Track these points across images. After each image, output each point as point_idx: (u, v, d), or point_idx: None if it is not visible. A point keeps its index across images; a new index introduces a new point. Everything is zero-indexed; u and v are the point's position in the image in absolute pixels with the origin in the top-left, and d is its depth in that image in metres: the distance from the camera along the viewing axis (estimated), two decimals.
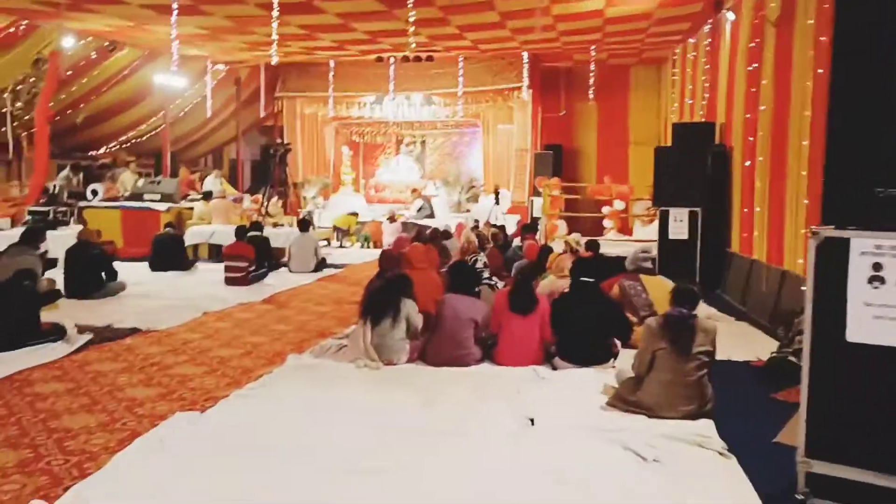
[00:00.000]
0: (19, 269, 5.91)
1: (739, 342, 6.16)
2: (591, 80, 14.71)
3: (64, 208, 11.35)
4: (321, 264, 10.74)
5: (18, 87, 11.98)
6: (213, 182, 14.36)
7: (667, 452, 3.56)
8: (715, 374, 4.26)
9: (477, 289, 6.00)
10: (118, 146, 16.80)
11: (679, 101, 13.21)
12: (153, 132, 16.67)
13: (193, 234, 11.71)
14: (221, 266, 9.42)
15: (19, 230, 8.77)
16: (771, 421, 4.15)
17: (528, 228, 10.96)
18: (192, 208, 12.57)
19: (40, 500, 2.89)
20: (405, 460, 3.40)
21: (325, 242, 14.38)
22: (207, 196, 12.76)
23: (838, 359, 2.93)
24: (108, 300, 7.79)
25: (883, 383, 2.84)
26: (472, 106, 16.08)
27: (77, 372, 4.90)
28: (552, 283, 6.40)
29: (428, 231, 9.60)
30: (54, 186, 11.78)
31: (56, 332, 5.67)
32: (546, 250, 7.87)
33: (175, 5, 9.02)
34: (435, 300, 5.79)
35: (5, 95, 12.03)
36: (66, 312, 6.89)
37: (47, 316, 6.34)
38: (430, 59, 14.33)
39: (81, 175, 13.33)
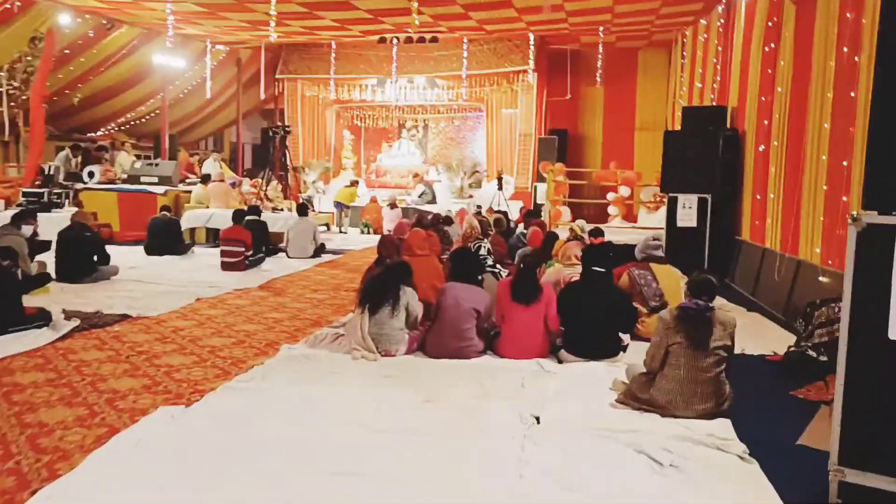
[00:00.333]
0: None
1: (753, 335, 5.90)
2: (599, 64, 14.34)
3: (59, 190, 11.08)
4: (320, 250, 10.52)
5: (14, 66, 11.67)
6: (211, 165, 14.10)
7: (684, 457, 3.31)
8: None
9: (480, 277, 5.73)
10: (117, 128, 16.52)
11: (688, 84, 12.88)
12: (152, 114, 16.38)
13: (190, 218, 11.47)
14: (218, 251, 9.18)
15: (13, 212, 8.52)
16: (792, 420, 3.92)
17: (532, 215, 10.69)
18: (189, 192, 12.32)
19: None
20: (401, 464, 3.16)
21: (325, 227, 14.12)
22: (206, 179, 12.50)
23: (878, 358, 2.67)
24: (100, 285, 7.55)
25: None
26: (476, 89, 15.75)
27: (60, 361, 4.66)
28: (558, 272, 6.14)
29: (429, 217, 9.33)
30: (49, 167, 11.50)
31: (41, 318, 5.43)
32: (552, 237, 7.60)
33: None
34: (436, 288, 5.54)
35: (1, 74, 11.75)
36: (55, 297, 6.68)
37: (34, 300, 6.13)
38: (434, 40, 13.97)
39: (79, 157, 13.07)
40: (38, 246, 7.47)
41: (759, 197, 8.19)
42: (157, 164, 12.64)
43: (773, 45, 7.88)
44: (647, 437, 3.52)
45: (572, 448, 3.40)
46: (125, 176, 12.66)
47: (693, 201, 9.12)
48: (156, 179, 12.14)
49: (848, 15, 5.84)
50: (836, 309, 4.90)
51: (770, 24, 7.96)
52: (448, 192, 16.46)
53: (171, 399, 3.94)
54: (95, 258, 7.68)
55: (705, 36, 11.78)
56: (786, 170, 7.32)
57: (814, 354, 4.84)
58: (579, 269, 5.48)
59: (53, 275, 7.43)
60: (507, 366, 4.87)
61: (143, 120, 16.61)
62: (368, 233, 14.08)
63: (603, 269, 5.22)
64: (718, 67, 10.61)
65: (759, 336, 5.91)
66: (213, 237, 11.23)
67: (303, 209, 10.80)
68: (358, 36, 14.47)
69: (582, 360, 4.93)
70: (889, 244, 2.57)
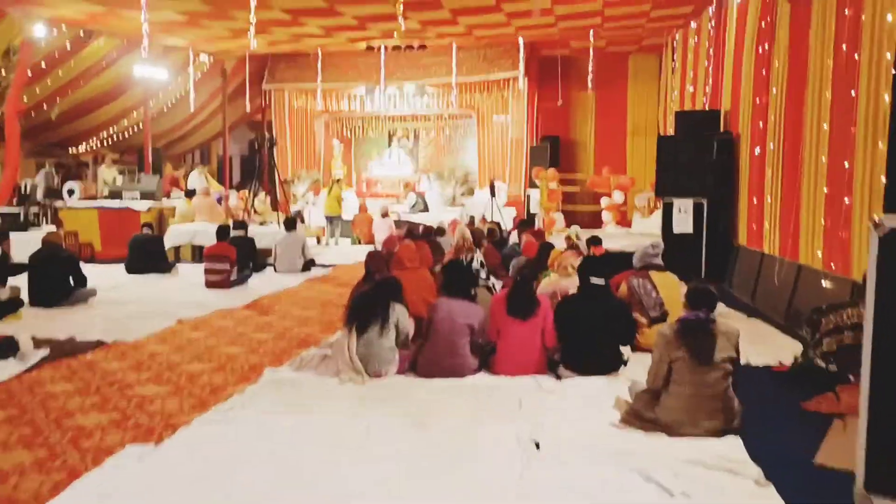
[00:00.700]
0: None
1: (756, 343, 5.67)
2: (590, 69, 14.16)
3: (37, 209, 10.77)
4: (309, 264, 10.24)
5: None
6: (197, 179, 13.84)
7: (695, 483, 3.07)
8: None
9: (473, 291, 5.49)
10: (100, 143, 16.22)
11: (680, 89, 12.71)
12: (136, 127, 16.08)
13: (174, 235, 11.18)
14: (203, 268, 8.90)
15: None
16: (805, 436, 3.70)
17: (526, 223, 10.45)
18: (174, 207, 12.04)
19: None
20: (392, 495, 2.90)
21: (315, 241, 13.84)
22: (190, 194, 12.23)
23: None
24: (77, 308, 7.25)
25: None
26: (467, 96, 15.54)
27: (24, 395, 4.36)
28: (555, 283, 5.91)
29: (420, 228, 9.07)
30: (26, 185, 11.19)
31: (7, 348, 5.12)
32: (546, 247, 7.36)
33: None
34: (428, 302, 5.29)
35: None
36: (27, 323, 6.39)
37: (4, 328, 5.85)
38: (422, 47, 13.75)
39: (61, 174, 12.80)
40: (11, 269, 7.16)
41: (755, 201, 7.98)
42: (139, 180, 12.35)
43: (766, 46, 7.70)
44: (656, 461, 3.29)
45: (575, 475, 3.16)
46: (107, 192, 12.36)
47: (688, 206, 8.93)
48: (138, 195, 11.85)
49: (847, 12, 5.65)
50: (845, 315, 4.68)
51: (763, 24, 7.78)
52: (440, 202, 16.22)
53: (141, 435, 3.65)
54: (71, 280, 7.36)
55: (696, 39, 11.62)
56: (783, 172, 7.12)
57: (822, 364, 4.61)
58: (576, 279, 5.24)
59: (27, 299, 7.15)
60: (503, 384, 4.64)
61: (126, 134, 16.30)
62: (360, 243, 13.80)
63: (601, 282, 5.00)
64: (710, 70, 10.43)
65: (761, 345, 5.68)
66: (199, 254, 10.94)
67: (290, 223, 10.53)
68: (344, 44, 14.24)
69: (581, 376, 4.69)
70: None
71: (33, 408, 4.12)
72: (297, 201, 15.68)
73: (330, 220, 14.18)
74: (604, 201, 14.22)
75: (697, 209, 8.86)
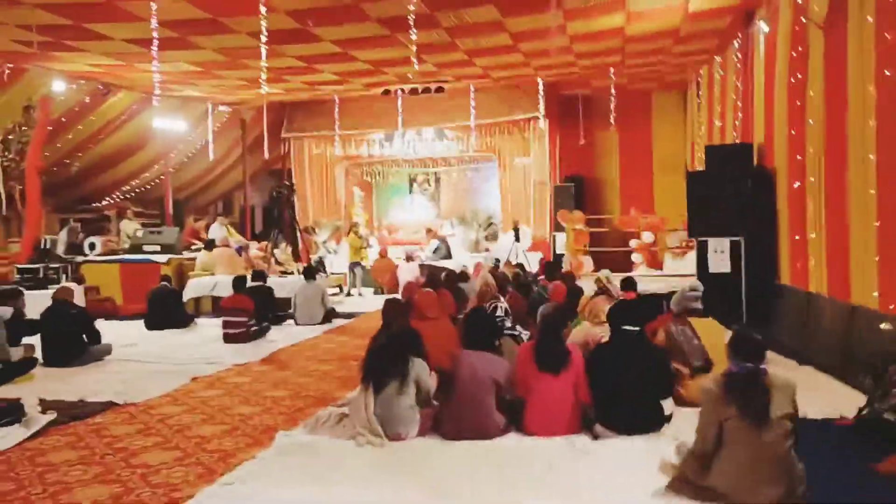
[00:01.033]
0: None
1: (811, 394, 5.16)
2: (612, 107, 13.93)
3: (57, 265, 10.66)
4: (330, 315, 9.96)
5: (8, 137, 11.39)
6: (217, 229, 13.68)
7: None
8: None
9: (497, 342, 5.13)
10: (123, 196, 16.27)
11: (707, 123, 12.39)
12: (158, 180, 16.13)
13: (194, 287, 10.98)
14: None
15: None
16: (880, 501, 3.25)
17: (552, 266, 10.06)
18: (193, 259, 11.88)
19: None
20: None
21: (337, 289, 13.57)
22: (210, 245, 12.07)
23: None
24: (91, 367, 6.99)
25: None
26: (487, 139, 15.37)
27: (24, 466, 4.07)
28: (586, 332, 5.53)
29: (443, 273, 8.75)
30: (45, 241, 11.12)
31: (11, 413, 4.85)
32: (575, 292, 6.99)
33: (155, 35, 8.36)
34: (450, 354, 4.94)
35: None
36: (38, 385, 6.14)
37: (13, 390, 5.61)
38: (439, 90, 13.61)
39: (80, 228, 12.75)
40: (25, 327, 6.96)
41: (798, 237, 7.55)
42: (160, 232, 12.25)
43: (799, 76, 7.36)
44: None
45: None
46: (127, 245, 12.27)
47: (725, 245, 8.53)
48: (158, 248, 11.74)
49: (887, 35, 5.32)
50: None
51: (794, 53, 7.47)
52: (463, 246, 15.94)
53: None
54: (85, 337, 7.13)
55: (722, 73, 11.34)
56: (827, 206, 6.71)
57: (892, 418, 4.16)
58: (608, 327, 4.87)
59: (41, 358, 6.93)
60: (533, 445, 4.27)
61: (148, 186, 16.35)
62: (383, 292, 13.48)
63: (635, 329, 4.62)
64: (739, 104, 10.11)
65: (817, 396, 5.20)
66: (219, 306, 10.72)
67: (309, 272, 10.29)
68: (361, 90, 14.19)
69: (620, 436, 4.29)
70: None
71: (31, 481, 3.82)
72: (318, 250, 15.49)
73: (352, 267, 13.92)
74: (633, 242, 13.82)
75: (734, 248, 8.46)
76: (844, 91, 6.15)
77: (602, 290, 6.63)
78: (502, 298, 6.31)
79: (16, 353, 6.52)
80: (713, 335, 5.26)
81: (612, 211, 15.10)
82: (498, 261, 11.84)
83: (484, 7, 8.78)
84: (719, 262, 8.47)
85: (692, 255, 10.02)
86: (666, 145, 15.06)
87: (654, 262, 13.52)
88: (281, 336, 8.74)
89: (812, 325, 6.95)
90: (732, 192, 8.54)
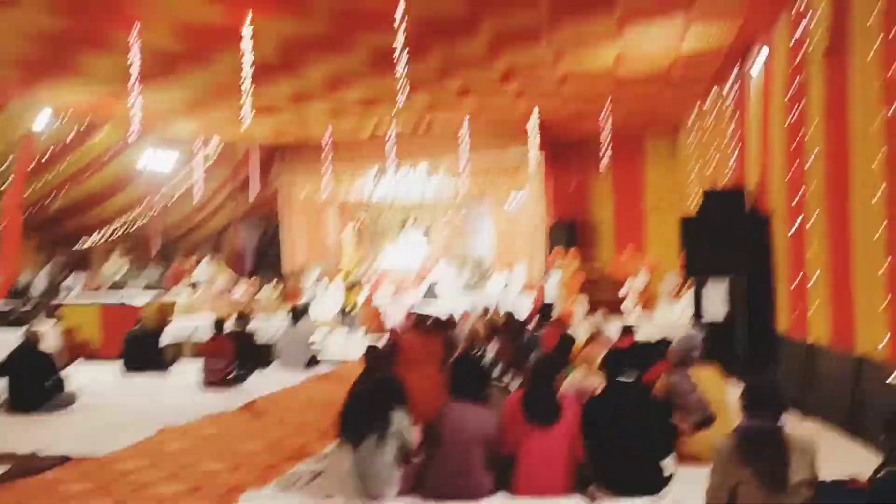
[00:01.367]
0: None
1: (820, 453, 4.84)
2: (603, 150, 13.82)
3: (30, 307, 10.29)
4: (314, 360, 9.58)
5: None
6: (205, 269, 13.36)
7: None
8: None
9: (486, 391, 4.79)
10: (109, 235, 15.94)
11: (700, 165, 12.25)
12: (146, 218, 15.83)
13: (172, 332, 10.56)
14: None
15: None
16: None
17: (545, 311, 9.73)
18: (174, 302, 11.52)
19: None
20: None
21: (327, 331, 13.19)
22: (194, 286, 11.74)
23: None
24: (55, 415, 6.61)
25: None
26: (480, 180, 15.20)
27: None
28: (580, 382, 5.20)
29: (429, 320, 8.42)
30: (23, 282, 10.77)
31: None
32: (567, 339, 6.68)
33: (136, 65, 8.18)
34: (437, 406, 4.59)
35: None
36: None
37: None
38: (428, 129, 13.50)
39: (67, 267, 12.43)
40: None
41: (797, 283, 7.28)
42: (143, 272, 11.93)
43: (796, 117, 7.20)
44: None
45: None
46: (108, 284, 11.94)
47: (720, 290, 8.26)
48: (141, 287, 11.40)
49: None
50: None
51: (791, 92, 7.31)
52: (455, 290, 15.62)
53: None
54: (47, 384, 6.74)
55: (713, 115, 11.24)
56: (828, 250, 6.46)
57: None
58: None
59: (10, 403, 6.56)
60: None
61: (136, 225, 16.04)
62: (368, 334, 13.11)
63: (630, 379, 4.31)
64: (733, 145, 9.97)
65: (829, 455, 4.82)
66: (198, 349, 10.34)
67: (295, 315, 9.94)
68: (350, 131, 14.04)
69: (618, 498, 3.94)
70: None
71: None
72: (305, 293, 15.15)
73: (342, 312, 13.65)
74: (626, 286, 13.59)
75: (731, 293, 8.19)
76: (845, 129, 5.96)
77: (595, 337, 6.33)
78: (490, 345, 6.01)
79: None
80: (714, 387, 4.96)
81: (606, 253, 14.96)
82: (486, 308, 11.54)
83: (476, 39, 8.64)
84: (715, 308, 8.21)
85: (687, 299, 9.77)
86: (658, 187, 14.91)
87: (648, 306, 13.27)
88: (262, 382, 8.36)
89: (814, 377, 6.63)
90: (727, 236, 8.28)
